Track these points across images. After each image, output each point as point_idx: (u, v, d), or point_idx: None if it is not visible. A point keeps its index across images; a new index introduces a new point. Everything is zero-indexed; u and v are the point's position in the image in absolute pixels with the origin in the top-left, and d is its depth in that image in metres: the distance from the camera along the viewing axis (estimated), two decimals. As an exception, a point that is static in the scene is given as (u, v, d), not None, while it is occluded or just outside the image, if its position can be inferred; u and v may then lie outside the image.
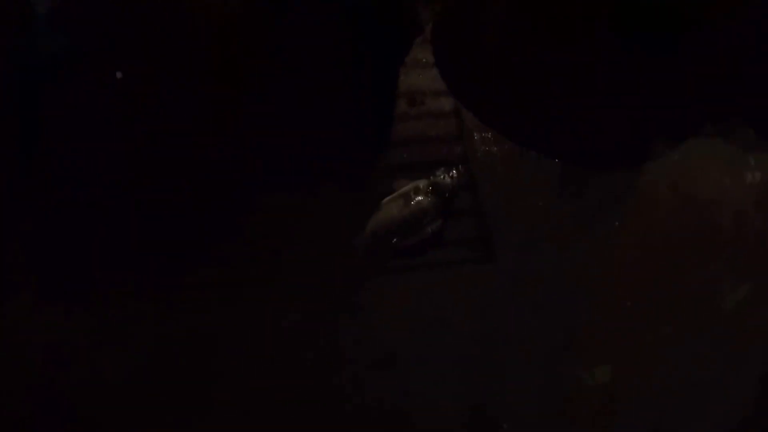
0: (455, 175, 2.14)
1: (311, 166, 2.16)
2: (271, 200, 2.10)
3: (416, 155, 2.22)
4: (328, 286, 2.01)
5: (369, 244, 2.04)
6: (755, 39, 2.29)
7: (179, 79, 2.26)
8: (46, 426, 1.85)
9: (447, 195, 2.09)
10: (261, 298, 1.99)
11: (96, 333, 1.94)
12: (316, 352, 1.93)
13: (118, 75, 2.29)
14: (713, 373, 1.90)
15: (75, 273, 2.04)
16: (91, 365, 1.90)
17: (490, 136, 2.24)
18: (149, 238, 2.08)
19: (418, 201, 2.05)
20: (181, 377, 1.90)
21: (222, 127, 2.22)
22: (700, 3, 2.17)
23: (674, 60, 2.25)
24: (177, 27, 2.21)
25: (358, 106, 2.28)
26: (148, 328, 1.95)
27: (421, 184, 2.09)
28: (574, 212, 2.11)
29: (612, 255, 2.05)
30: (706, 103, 2.29)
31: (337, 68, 2.30)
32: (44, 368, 1.90)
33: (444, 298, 1.99)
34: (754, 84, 2.32)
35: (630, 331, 1.94)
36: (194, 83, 2.25)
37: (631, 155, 2.22)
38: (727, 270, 2.04)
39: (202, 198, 2.14)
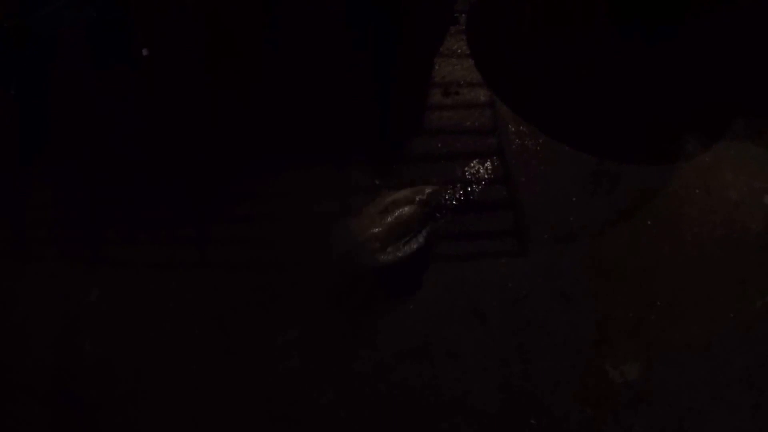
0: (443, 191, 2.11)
1: (314, 162, 2.17)
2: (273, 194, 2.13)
3: (450, 146, 2.22)
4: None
5: (342, 263, 1.97)
6: (756, 32, 2.31)
7: (179, 79, 2.27)
8: (51, 404, 1.88)
9: (432, 206, 2.04)
10: (269, 286, 2.01)
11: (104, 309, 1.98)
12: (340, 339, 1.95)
13: (145, 52, 2.29)
14: (741, 371, 1.91)
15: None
16: (98, 359, 1.94)
17: (524, 128, 2.25)
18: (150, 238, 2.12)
19: (399, 213, 1.99)
20: (182, 376, 1.92)
21: (222, 127, 2.23)
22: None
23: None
24: (178, 26, 2.22)
25: (361, 98, 2.28)
26: (147, 327, 1.99)
27: (402, 194, 2.04)
28: (607, 208, 2.11)
29: (643, 252, 2.05)
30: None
31: (338, 65, 2.31)
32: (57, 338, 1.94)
33: (476, 289, 1.99)
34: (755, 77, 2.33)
35: (660, 328, 1.95)
36: (194, 83, 2.26)
37: (665, 154, 2.22)
38: (756, 269, 2.05)
39: (203, 198, 2.16)
